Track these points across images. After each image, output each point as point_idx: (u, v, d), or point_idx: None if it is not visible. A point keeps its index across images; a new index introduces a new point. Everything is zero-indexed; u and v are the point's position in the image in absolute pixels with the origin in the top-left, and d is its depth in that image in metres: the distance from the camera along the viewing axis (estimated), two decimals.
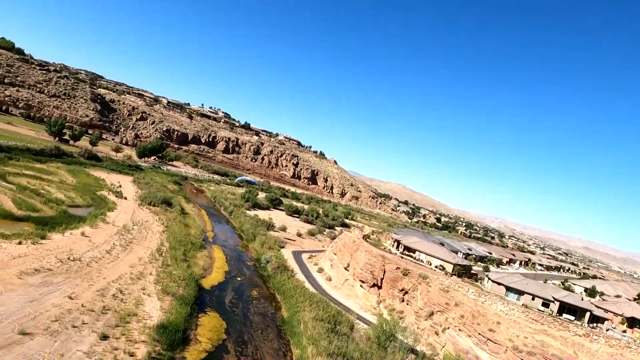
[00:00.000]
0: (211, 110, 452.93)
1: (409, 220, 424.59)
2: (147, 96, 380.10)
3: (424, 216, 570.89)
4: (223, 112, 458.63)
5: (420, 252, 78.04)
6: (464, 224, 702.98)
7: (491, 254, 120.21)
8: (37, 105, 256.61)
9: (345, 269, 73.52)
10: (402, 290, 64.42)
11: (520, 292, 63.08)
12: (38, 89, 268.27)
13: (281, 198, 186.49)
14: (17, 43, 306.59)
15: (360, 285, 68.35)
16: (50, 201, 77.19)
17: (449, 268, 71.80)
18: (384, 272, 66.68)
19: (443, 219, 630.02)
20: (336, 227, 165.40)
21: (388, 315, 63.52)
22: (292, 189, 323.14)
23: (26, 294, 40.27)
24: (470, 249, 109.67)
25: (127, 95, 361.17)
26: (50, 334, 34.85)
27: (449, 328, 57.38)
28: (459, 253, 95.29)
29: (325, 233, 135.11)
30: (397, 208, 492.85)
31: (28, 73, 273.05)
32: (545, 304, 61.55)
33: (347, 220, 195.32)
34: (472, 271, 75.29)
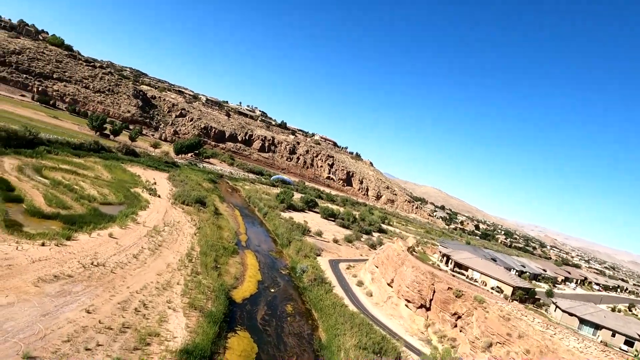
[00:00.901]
0: (248, 108, 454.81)
1: (446, 227, 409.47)
2: (187, 93, 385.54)
3: (462, 223, 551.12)
4: (260, 111, 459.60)
5: (474, 270, 69.80)
6: (502, 232, 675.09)
7: (545, 271, 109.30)
8: (82, 100, 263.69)
9: (389, 284, 66.60)
10: (455, 314, 56.84)
11: (597, 326, 54.05)
12: (84, 85, 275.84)
13: (316, 200, 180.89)
14: (67, 40, 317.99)
15: (406, 305, 61.26)
16: (82, 198, 74.68)
17: (508, 290, 63.37)
18: (434, 292, 59.30)
19: (481, 226, 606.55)
20: (373, 233, 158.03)
21: (438, 342, 56.07)
22: (327, 190, 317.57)
23: (40, 306, 36.11)
24: (523, 266, 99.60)
25: (168, 92, 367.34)
26: (58, 358, 30.21)
27: None
28: (512, 270, 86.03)
29: (362, 240, 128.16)
30: (434, 213, 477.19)
31: (75, 69, 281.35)
32: (629, 342, 52.24)
33: (383, 226, 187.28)
34: (536, 296, 66.42)
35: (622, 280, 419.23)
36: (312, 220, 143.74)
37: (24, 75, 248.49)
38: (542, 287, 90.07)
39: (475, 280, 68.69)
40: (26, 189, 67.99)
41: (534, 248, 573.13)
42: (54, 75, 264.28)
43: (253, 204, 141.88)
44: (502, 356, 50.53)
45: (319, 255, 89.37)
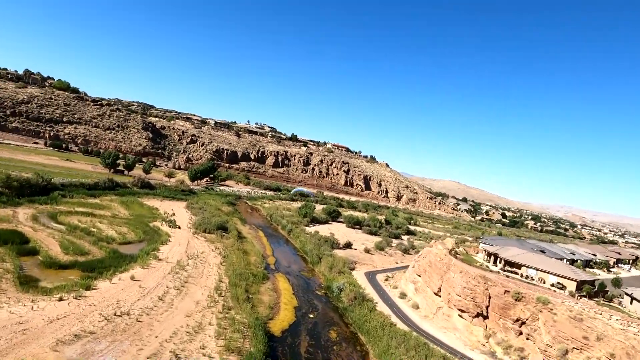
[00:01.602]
0: (257, 126, 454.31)
1: (473, 219, 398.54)
2: (194, 119, 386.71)
3: (487, 212, 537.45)
4: (269, 127, 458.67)
5: (529, 267, 63.48)
6: (530, 217, 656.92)
7: (595, 255, 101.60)
8: (94, 139, 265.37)
9: (436, 294, 60.89)
10: (517, 320, 50.78)
11: None
12: (94, 124, 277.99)
13: (338, 209, 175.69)
14: (72, 82, 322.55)
15: (460, 315, 55.48)
16: (100, 240, 71.35)
17: (571, 286, 56.97)
18: (489, 297, 53.42)
19: (507, 213, 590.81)
20: (402, 236, 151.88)
21: (504, 354, 49.99)
22: (346, 197, 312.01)
23: None
24: (573, 253, 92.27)
25: (176, 120, 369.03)
26: None
27: None
28: (564, 260, 79.16)
29: (393, 245, 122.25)
30: (458, 207, 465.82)
31: (84, 110, 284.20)
32: None
33: (411, 227, 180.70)
34: (605, 288, 59.60)
35: None
36: (338, 231, 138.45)
37: (35, 123, 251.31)
38: (598, 275, 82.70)
39: (532, 279, 62.35)
40: (41, 238, 64.86)
41: (565, 229, 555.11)
42: (64, 119, 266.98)
43: (275, 222, 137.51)
44: None
45: (353, 269, 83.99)
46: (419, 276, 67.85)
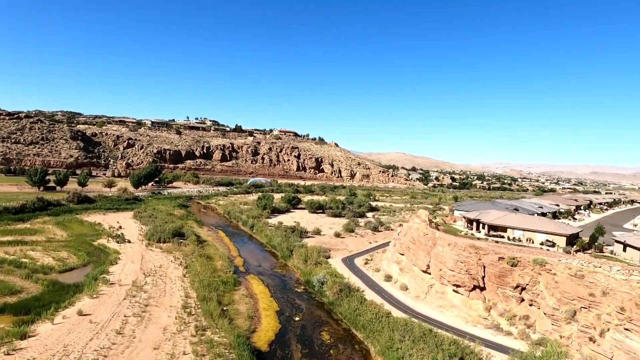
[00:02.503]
0: (198, 121, 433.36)
1: (426, 187, 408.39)
2: (129, 122, 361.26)
3: (437, 179, 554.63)
4: (211, 120, 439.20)
5: (514, 228, 61.37)
6: (475, 177, 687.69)
7: (558, 206, 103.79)
8: (15, 157, 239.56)
9: (425, 271, 57.05)
10: (517, 287, 47.92)
11: None
12: (13, 140, 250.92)
13: (297, 195, 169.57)
14: None
15: (455, 291, 51.95)
16: (35, 272, 60.53)
17: (561, 242, 55.41)
18: (484, 267, 50.20)
19: (454, 177, 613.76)
20: (367, 214, 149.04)
21: (509, 325, 47.02)
22: (301, 182, 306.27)
23: None
24: (541, 207, 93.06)
25: (109, 125, 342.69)
26: None
27: (608, 330, 40.96)
28: (535, 215, 78.92)
29: (361, 225, 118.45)
30: (409, 177, 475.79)
31: None
32: None
33: (372, 203, 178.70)
34: (596, 240, 58.37)
35: (608, 192, 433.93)
36: (302, 218, 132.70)
37: None
38: (572, 225, 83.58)
39: (519, 240, 60.36)
40: None
41: (510, 184, 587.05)
42: None
43: (235, 219, 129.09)
44: (593, 323, 41.98)
45: (329, 257, 78.71)
46: (402, 255, 63.84)
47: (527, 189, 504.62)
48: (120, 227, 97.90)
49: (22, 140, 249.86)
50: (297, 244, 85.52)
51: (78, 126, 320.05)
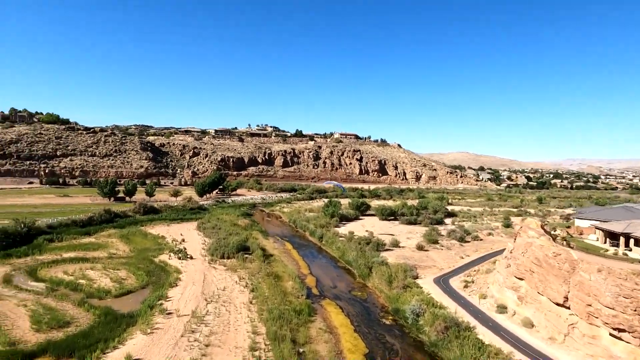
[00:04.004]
0: (259, 128, 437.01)
1: (499, 187, 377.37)
2: (194, 132, 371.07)
3: (509, 178, 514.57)
4: (271, 127, 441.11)
5: None
6: (551, 176, 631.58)
7: None
8: (92, 169, 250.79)
9: (560, 305, 42.88)
10: None
11: None
12: (90, 153, 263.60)
13: (366, 201, 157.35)
14: (62, 114, 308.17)
15: (614, 336, 37.50)
16: (90, 296, 54.40)
17: None
18: None
19: (530, 175, 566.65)
20: (445, 221, 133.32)
21: None
22: (364, 186, 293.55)
23: None
24: None
25: (175, 135, 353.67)
26: None
27: None
28: None
29: (443, 234, 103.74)
30: (480, 177, 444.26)
31: (77, 140, 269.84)
32: None
33: (449, 208, 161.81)
34: None
35: None
36: (373, 226, 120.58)
37: (28, 162, 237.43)
38: None
39: None
40: (7, 311, 47.88)
41: (594, 182, 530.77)
42: (58, 153, 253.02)
43: (301, 228, 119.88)
44: None
45: (417, 277, 65.88)
46: (521, 279, 49.68)
47: (616, 187, 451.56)
48: (183, 240, 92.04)
49: (97, 153, 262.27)
50: (376, 259, 73.48)
51: (148, 138, 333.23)
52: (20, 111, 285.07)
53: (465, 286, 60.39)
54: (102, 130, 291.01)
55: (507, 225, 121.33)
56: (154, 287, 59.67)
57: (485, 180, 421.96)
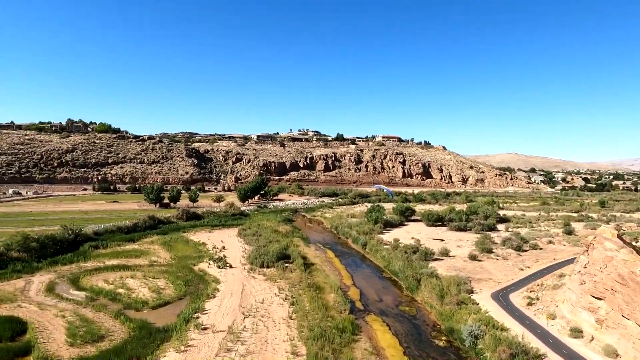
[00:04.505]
0: (301, 132, 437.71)
1: (554, 190, 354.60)
2: (237, 137, 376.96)
3: (564, 180, 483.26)
4: (312, 131, 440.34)
5: None
6: (611, 177, 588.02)
7: None
8: (140, 175, 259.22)
9: None
10: None
11: None
12: (138, 160, 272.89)
13: (409, 205, 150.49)
14: (114, 123, 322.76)
15: None
16: (128, 307, 53.12)
17: None
18: None
19: (587, 177, 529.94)
20: (497, 227, 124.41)
21: None
22: (408, 190, 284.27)
23: None
24: None
25: (219, 141, 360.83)
26: None
27: None
28: None
29: (497, 242, 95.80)
30: (532, 179, 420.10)
31: (127, 148, 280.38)
32: None
33: (500, 213, 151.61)
34: None
35: None
36: (419, 233, 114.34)
37: (82, 170, 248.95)
38: None
39: None
40: (46, 322, 47.18)
41: None
42: (109, 161, 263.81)
43: (344, 235, 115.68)
44: None
45: (472, 291, 59.79)
46: (599, 299, 42.85)
47: None
48: (224, 248, 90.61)
49: (145, 160, 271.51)
50: (425, 270, 67.91)
51: (193, 144, 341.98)
52: (76, 122, 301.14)
53: (529, 303, 53.63)
54: (150, 138, 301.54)
55: (569, 232, 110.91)
56: (192, 298, 57.64)
57: (537, 183, 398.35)
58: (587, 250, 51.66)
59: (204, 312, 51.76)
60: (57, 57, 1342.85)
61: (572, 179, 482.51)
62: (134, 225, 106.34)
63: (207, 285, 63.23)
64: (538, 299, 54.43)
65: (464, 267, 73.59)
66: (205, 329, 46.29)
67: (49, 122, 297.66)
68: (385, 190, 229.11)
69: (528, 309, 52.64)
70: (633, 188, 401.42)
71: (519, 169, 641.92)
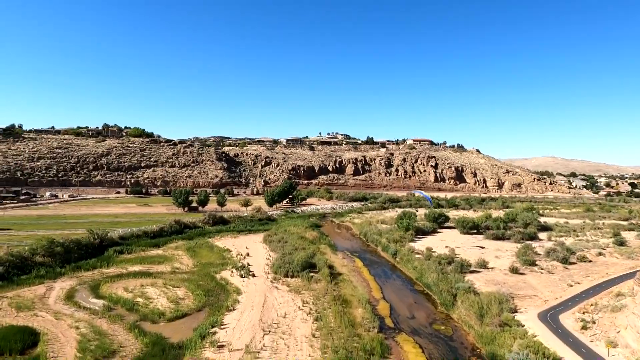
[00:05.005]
0: (330, 136, 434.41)
1: (598, 195, 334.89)
2: (266, 141, 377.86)
3: (609, 185, 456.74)
4: (342, 135, 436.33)
5: None
6: None
7: None
8: (171, 179, 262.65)
9: None
10: None
11: None
12: (170, 164, 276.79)
13: (445, 213, 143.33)
14: (148, 128, 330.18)
15: None
16: (144, 318, 50.72)
17: None
18: None
19: (634, 182, 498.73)
20: (538, 236, 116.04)
21: None
22: (440, 195, 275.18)
23: None
24: None
25: (249, 145, 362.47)
26: None
27: None
28: None
29: (539, 253, 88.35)
30: (573, 184, 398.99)
31: (159, 152, 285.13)
32: None
33: (541, 220, 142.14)
34: None
35: None
36: (453, 241, 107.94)
37: (116, 173, 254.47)
38: None
39: None
40: (59, 334, 45.26)
41: None
42: (142, 164, 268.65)
43: (373, 242, 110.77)
44: None
45: (515, 310, 53.88)
46: None
47: None
48: (248, 255, 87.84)
49: (176, 164, 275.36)
50: (461, 285, 62.32)
51: (223, 148, 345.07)
52: (111, 126, 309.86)
53: (584, 327, 47.30)
54: (181, 142, 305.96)
55: (621, 243, 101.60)
56: (211, 310, 54.66)
57: (579, 188, 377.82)
58: None
59: (222, 327, 48.58)
60: (97, 61, 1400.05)
61: (617, 183, 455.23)
62: (160, 229, 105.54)
63: (227, 296, 60.23)
64: (594, 322, 47.96)
65: (504, 282, 67.36)
66: (221, 346, 43.00)
67: (86, 127, 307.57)
68: (423, 196, 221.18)
69: (582, 333, 46.39)
70: None
71: (558, 173, 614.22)
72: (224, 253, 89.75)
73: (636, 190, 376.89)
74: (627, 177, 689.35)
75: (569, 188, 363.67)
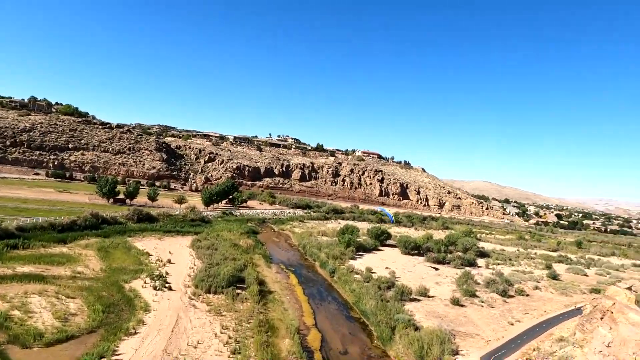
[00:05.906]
0: (280, 138, 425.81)
1: (528, 224, 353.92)
2: (213, 136, 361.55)
3: (537, 214, 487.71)
4: (292, 138, 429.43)
5: None
6: (580, 216, 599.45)
7: None
8: (102, 165, 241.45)
9: None
10: None
11: None
12: (102, 149, 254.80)
13: (388, 230, 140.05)
14: (84, 108, 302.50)
15: None
16: (14, 340, 39.92)
17: None
18: None
19: (560, 214, 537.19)
20: (477, 262, 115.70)
21: None
22: (384, 209, 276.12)
23: None
24: None
25: (194, 138, 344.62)
26: None
27: None
28: None
29: (479, 282, 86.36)
30: (506, 210, 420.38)
31: (91, 134, 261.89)
32: None
33: (480, 245, 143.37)
34: None
35: None
36: (394, 262, 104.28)
37: (37, 152, 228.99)
38: None
39: None
40: None
41: (629, 227, 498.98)
42: (69, 146, 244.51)
43: (311, 256, 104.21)
44: None
45: (457, 352, 49.26)
46: None
47: None
48: (169, 262, 77.58)
49: (110, 149, 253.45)
50: (401, 317, 57.11)
51: (166, 138, 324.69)
52: (39, 100, 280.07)
53: None
54: (118, 126, 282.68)
55: (554, 276, 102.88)
56: (107, 331, 44.78)
57: (512, 215, 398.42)
58: (602, 318, 42.13)
59: (114, 357, 39.20)
60: (29, 27, 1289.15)
61: (545, 213, 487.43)
62: (71, 222, 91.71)
63: (132, 314, 50.45)
64: None
65: (445, 314, 63.19)
66: None
67: (9, 97, 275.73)
68: (386, 213, 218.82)
69: None
70: (603, 229, 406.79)
71: (494, 198, 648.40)
72: (141, 257, 78.69)
73: (561, 222, 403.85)
74: (552, 208, 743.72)
75: (503, 214, 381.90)
